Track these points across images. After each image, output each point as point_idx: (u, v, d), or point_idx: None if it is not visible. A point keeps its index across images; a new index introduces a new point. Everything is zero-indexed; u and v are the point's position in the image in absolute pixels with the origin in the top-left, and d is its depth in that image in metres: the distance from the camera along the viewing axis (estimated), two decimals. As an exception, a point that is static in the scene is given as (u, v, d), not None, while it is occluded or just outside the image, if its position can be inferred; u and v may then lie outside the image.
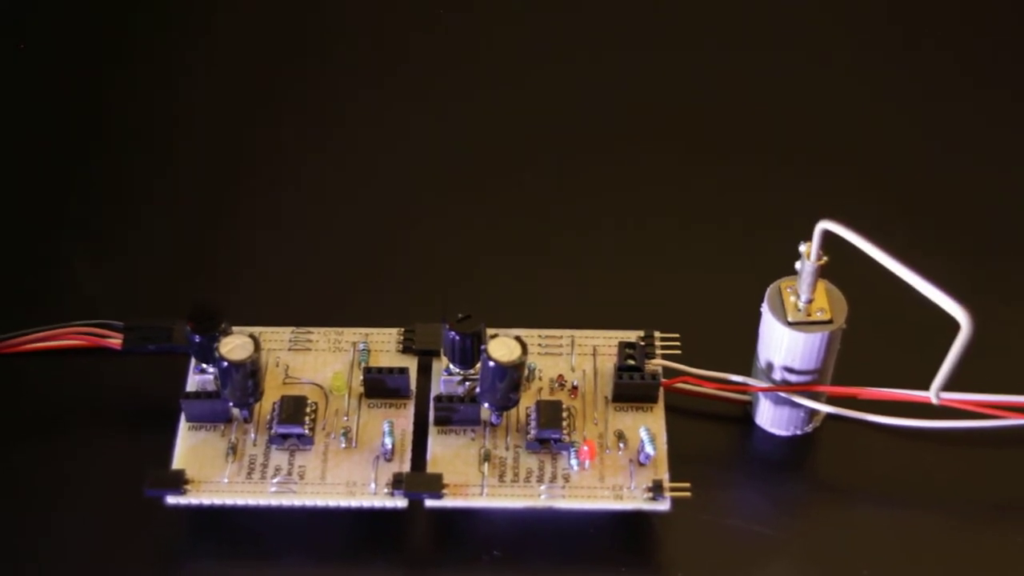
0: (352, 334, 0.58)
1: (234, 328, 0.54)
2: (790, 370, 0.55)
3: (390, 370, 0.56)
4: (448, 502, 0.53)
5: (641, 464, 0.54)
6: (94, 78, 0.71)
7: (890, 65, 0.73)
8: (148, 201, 0.66)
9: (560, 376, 0.57)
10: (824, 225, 0.51)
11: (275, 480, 0.54)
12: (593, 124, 0.70)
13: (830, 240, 0.52)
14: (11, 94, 0.71)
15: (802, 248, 0.53)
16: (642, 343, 0.57)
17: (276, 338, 0.58)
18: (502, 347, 0.53)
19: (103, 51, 0.73)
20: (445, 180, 0.67)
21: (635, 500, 0.53)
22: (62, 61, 0.72)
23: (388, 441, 0.54)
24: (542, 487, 0.53)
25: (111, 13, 0.74)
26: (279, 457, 0.54)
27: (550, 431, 0.54)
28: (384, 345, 0.58)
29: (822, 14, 0.75)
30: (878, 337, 0.60)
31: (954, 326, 0.50)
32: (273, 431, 0.54)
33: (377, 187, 0.67)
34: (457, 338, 0.54)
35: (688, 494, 0.53)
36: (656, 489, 0.53)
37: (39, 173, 0.68)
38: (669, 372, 0.57)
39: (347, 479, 0.54)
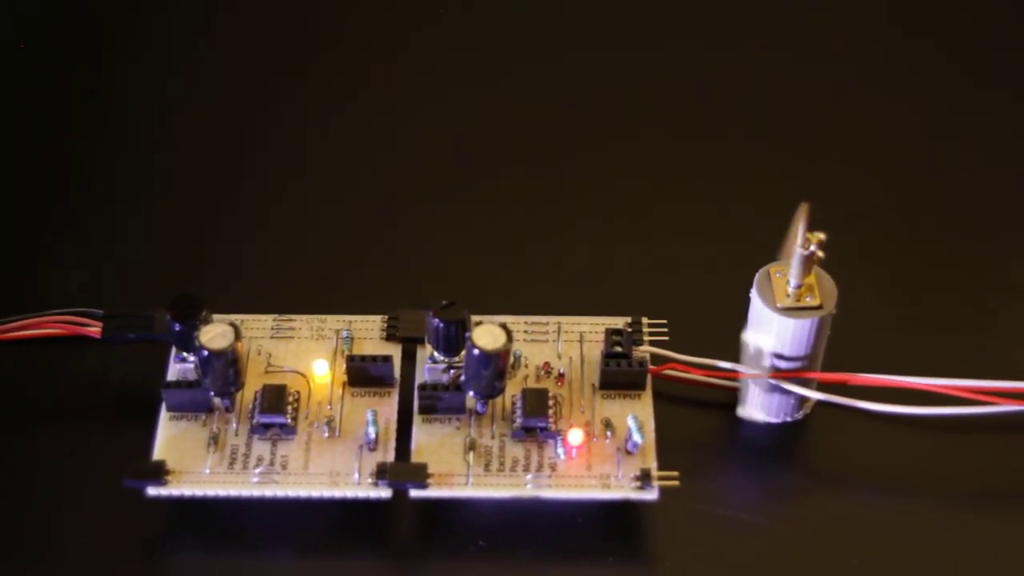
0: (335, 321, 0.57)
1: (215, 316, 0.54)
2: (780, 356, 0.55)
3: (373, 358, 0.55)
4: (433, 492, 0.53)
5: (629, 453, 0.53)
6: (84, 73, 0.71)
7: (882, 56, 0.72)
8: (131, 190, 0.66)
9: (546, 363, 0.56)
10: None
11: (257, 470, 0.53)
12: (579, 112, 0.69)
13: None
14: (7, 89, 0.70)
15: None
16: (629, 329, 0.56)
17: (258, 326, 0.57)
18: (487, 334, 0.52)
19: (97, 45, 0.72)
20: (431, 167, 0.67)
21: (623, 489, 0.53)
22: (56, 54, 0.72)
23: (372, 430, 0.53)
24: (528, 476, 0.53)
25: (109, 11, 0.74)
26: (261, 447, 0.54)
27: (536, 419, 0.53)
28: (367, 332, 0.57)
29: (813, 5, 0.74)
30: (868, 323, 0.59)
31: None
32: (255, 421, 0.54)
33: (361, 174, 0.67)
34: (441, 325, 0.53)
35: (676, 483, 0.53)
36: (644, 478, 0.53)
37: (24, 165, 0.67)
38: (657, 359, 0.56)
39: (330, 469, 0.53)
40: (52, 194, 0.66)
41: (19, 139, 0.68)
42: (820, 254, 0.52)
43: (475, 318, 0.54)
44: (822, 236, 0.52)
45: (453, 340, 0.54)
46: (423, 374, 0.55)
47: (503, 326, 0.52)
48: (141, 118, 0.69)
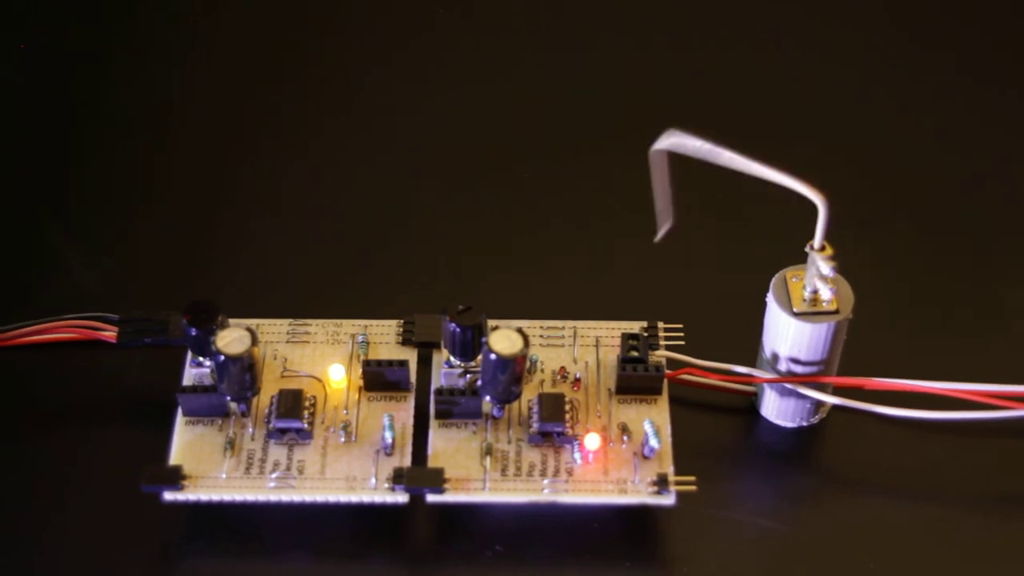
0: (351, 326, 0.57)
1: (231, 321, 0.54)
2: (796, 361, 0.54)
3: (389, 363, 0.55)
4: (450, 497, 0.52)
5: (645, 457, 0.53)
6: (90, 73, 0.71)
7: (888, 56, 0.72)
8: (144, 193, 0.66)
9: (562, 368, 0.56)
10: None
11: (274, 475, 0.53)
12: (595, 115, 0.69)
13: (813, 222, 0.51)
14: (8, 89, 0.70)
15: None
16: (645, 334, 0.56)
17: (274, 330, 0.57)
18: (503, 339, 0.52)
19: (100, 44, 0.72)
20: (446, 170, 0.67)
21: (640, 494, 0.53)
22: (60, 55, 0.72)
23: (388, 435, 0.53)
24: (545, 481, 0.53)
25: (110, 11, 0.74)
26: (278, 452, 0.54)
27: (553, 424, 0.53)
28: (383, 337, 0.57)
29: (826, 8, 0.74)
30: (885, 327, 0.59)
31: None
32: (271, 425, 0.54)
33: (377, 177, 0.66)
34: (458, 330, 0.53)
35: (694, 488, 0.52)
36: (661, 483, 0.52)
37: (34, 167, 0.67)
38: (673, 363, 0.56)
39: (347, 474, 0.53)
40: (64, 198, 0.66)
41: (26, 142, 0.68)
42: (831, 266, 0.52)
43: (491, 323, 0.53)
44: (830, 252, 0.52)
45: (469, 345, 0.54)
46: (439, 379, 0.55)
47: (519, 331, 0.52)
48: (152, 121, 0.69)
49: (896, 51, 0.72)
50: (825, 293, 0.53)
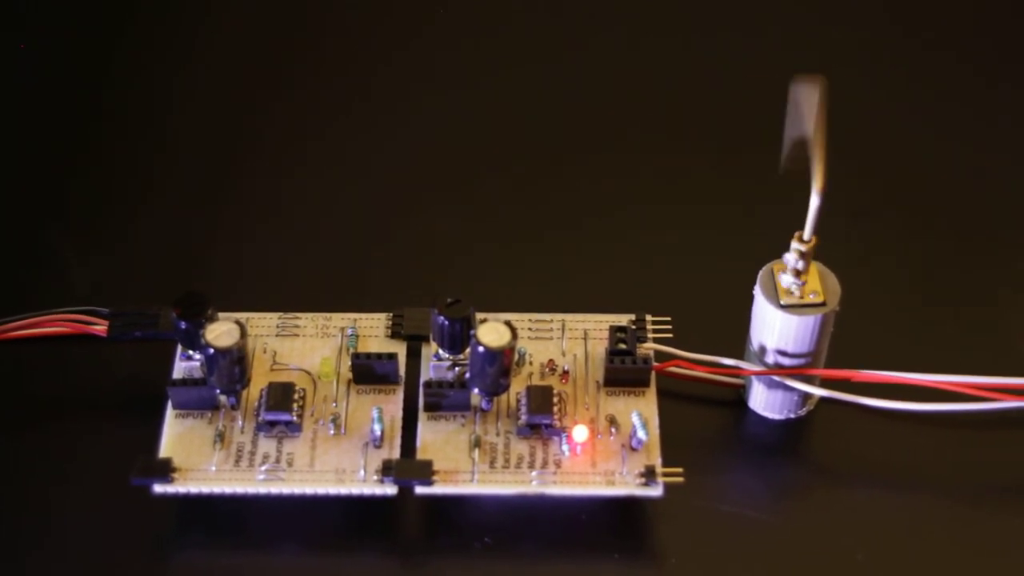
0: (340, 319, 0.57)
1: (220, 314, 0.54)
2: (783, 353, 0.55)
3: (379, 356, 0.55)
4: (438, 489, 0.53)
5: (633, 449, 0.54)
6: (86, 71, 0.71)
7: (882, 52, 0.72)
8: (135, 188, 0.66)
9: (551, 361, 0.56)
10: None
11: (263, 468, 0.53)
12: (583, 109, 0.69)
13: (822, 222, 0.51)
14: (8, 90, 0.70)
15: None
16: (633, 327, 0.56)
17: (263, 324, 0.57)
18: (491, 332, 0.52)
19: (100, 44, 0.72)
20: (435, 165, 0.67)
21: (627, 486, 0.53)
22: (57, 52, 0.72)
23: (377, 428, 0.54)
24: (533, 473, 0.53)
25: (110, 10, 0.74)
26: (267, 444, 0.54)
27: (541, 416, 0.54)
28: (372, 330, 0.57)
29: (815, 2, 0.75)
30: (872, 320, 0.59)
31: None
32: (261, 418, 0.54)
33: (366, 172, 0.67)
34: (446, 323, 0.53)
35: (681, 479, 0.53)
36: (649, 474, 0.53)
37: (27, 162, 0.67)
38: (661, 356, 0.56)
39: (336, 466, 0.53)
40: (56, 193, 0.66)
41: (22, 139, 0.68)
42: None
43: (480, 316, 0.54)
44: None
45: (458, 338, 0.54)
46: (428, 371, 0.55)
47: (508, 323, 0.52)
48: (144, 116, 0.69)
49: (893, 47, 0.73)
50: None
